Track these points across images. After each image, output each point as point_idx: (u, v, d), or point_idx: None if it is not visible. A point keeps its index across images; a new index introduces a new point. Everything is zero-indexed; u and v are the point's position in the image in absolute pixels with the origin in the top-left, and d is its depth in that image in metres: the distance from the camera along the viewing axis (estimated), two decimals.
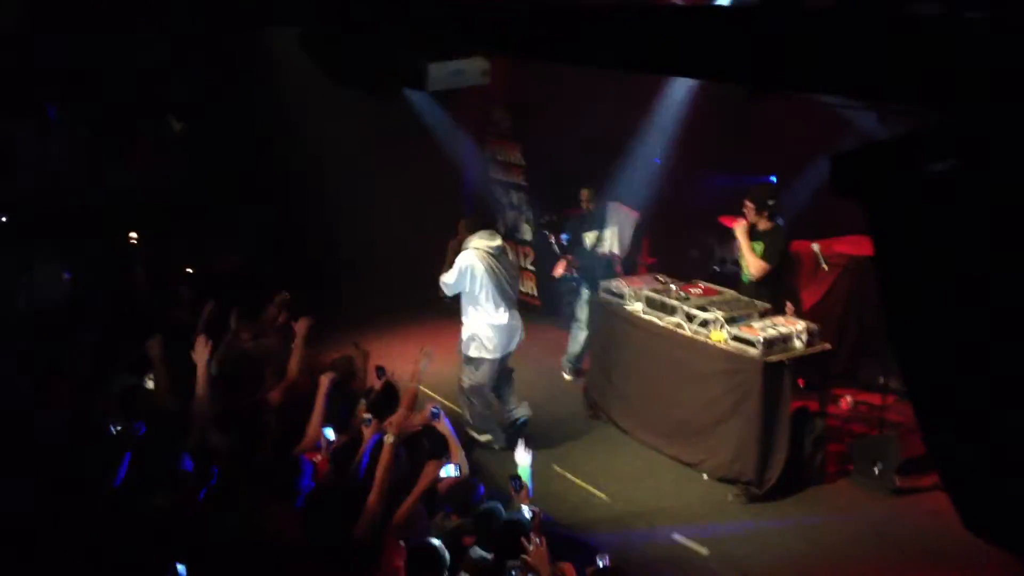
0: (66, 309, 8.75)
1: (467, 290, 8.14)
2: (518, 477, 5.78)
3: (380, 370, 7.09)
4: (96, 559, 4.73)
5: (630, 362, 8.56)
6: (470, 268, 8.05)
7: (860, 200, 2.35)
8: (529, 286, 11.97)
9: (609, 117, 10.39)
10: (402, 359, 9.40)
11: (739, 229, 8.27)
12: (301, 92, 9.06)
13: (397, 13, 4.22)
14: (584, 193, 9.59)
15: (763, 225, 8.28)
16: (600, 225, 9.55)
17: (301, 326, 7.11)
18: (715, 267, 10.15)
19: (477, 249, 8.10)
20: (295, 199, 11.55)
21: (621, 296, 8.60)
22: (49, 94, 9.80)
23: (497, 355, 8.29)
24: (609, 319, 8.77)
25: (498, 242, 8.23)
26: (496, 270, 8.13)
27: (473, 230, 8.20)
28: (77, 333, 7.87)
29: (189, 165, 10.75)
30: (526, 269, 11.97)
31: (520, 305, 11.47)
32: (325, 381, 6.31)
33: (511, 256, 8.53)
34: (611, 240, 9.56)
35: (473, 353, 8.31)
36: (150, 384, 6.78)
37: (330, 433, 5.98)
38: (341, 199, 11.28)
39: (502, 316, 8.22)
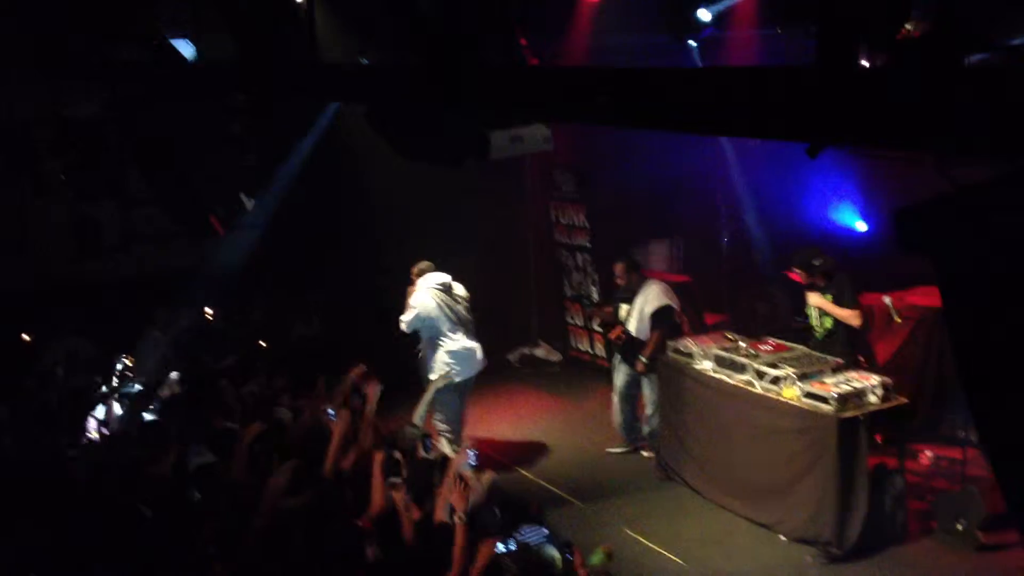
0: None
1: (423, 324, 9.00)
2: (570, 545, 5.71)
3: (426, 440, 7.09)
4: None
5: (701, 422, 8.48)
6: (422, 304, 8.97)
7: (926, 254, 2.35)
8: (598, 347, 11.96)
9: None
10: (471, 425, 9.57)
11: (814, 298, 8.39)
12: (373, 161, 9.25)
13: (459, 87, 4.33)
14: (617, 268, 9.53)
15: (821, 282, 8.40)
16: (632, 300, 9.37)
17: (372, 392, 7.18)
18: (796, 318, 9.72)
19: (427, 288, 9.02)
20: (365, 266, 11.69)
21: (690, 355, 8.55)
22: (126, 175, 10.15)
23: (458, 379, 9.02)
24: (679, 378, 8.71)
25: (445, 279, 9.11)
26: (446, 303, 9.02)
27: (421, 274, 9.12)
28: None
29: (264, 239, 10.98)
30: (595, 331, 11.95)
31: (588, 366, 11.55)
32: (378, 458, 6.31)
33: (461, 291, 9.21)
34: (634, 317, 9.25)
35: (431, 376, 9.01)
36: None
37: None
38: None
39: (458, 342, 9.03)
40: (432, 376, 9.03)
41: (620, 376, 9.51)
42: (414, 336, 9.20)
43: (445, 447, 8.54)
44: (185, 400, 8.05)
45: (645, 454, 9.46)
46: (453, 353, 9.01)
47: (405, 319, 9.06)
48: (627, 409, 9.53)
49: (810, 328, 8.61)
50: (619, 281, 9.54)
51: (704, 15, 9.43)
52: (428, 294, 9.00)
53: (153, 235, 10.74)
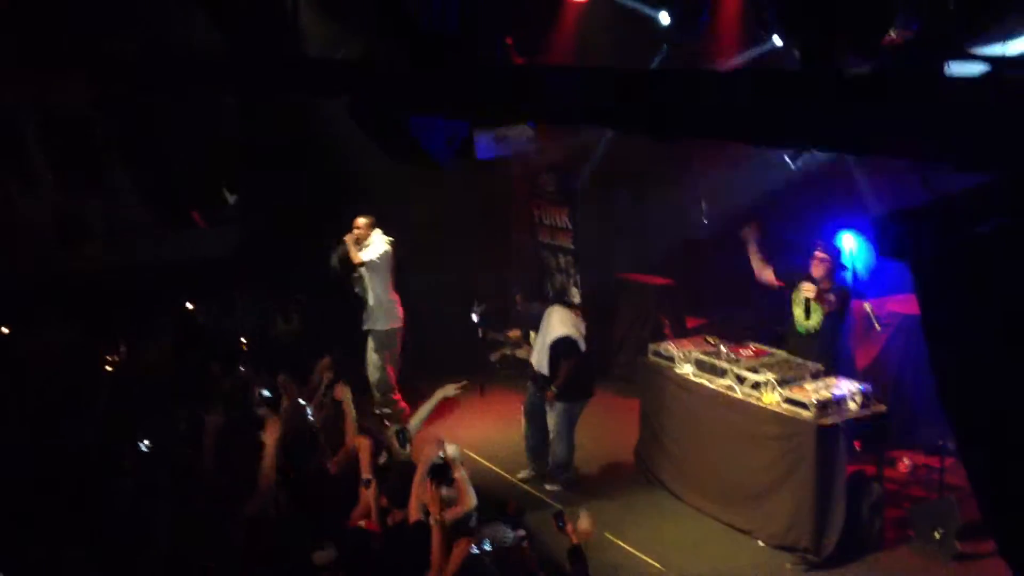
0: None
1: (381, 268, 9.83)
2: (561, 514, 5.74)
3: (403, 434, 7.04)
4: None
5: (681, 426, 8.48)
6: (388, 250, 9.88)
7: (905, 261, 2.34)
8: None
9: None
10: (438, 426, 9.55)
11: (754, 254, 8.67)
12: (355, 158, 9.22)
13: (445, 87, 4.31)
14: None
15: (826, 284, 8.32)
16: (537, 328, 9.10)
17: (342, 392, 7.14)
18: (776, 328, 9.62)
19: (384, 240, 9.93)
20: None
21: (671, 359, 8.54)
22: (113, 167, 10.08)
23: (401, 323, 9.93)
24: (659, 382, 8.71)
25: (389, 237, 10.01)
26: (395, 257, 9.98)
27: (371, 226, 9.95)
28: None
29: (243, 234, 10.93)
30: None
31: None
32: (365, 444, 6.29)
33: None
34: (537, 347, 8.93)
35: (386, 327, 9.89)
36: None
37: None
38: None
39: (396, 293, 10.03)
40: (381, 327, 9.81)
41: (527, 398, 9.14)
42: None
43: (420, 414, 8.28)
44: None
45: (548, 487, 8.92)
46: (395, 301, 9.93)
47: (370, 257, 9.78)
48: (532, 432, 9.08)
49: (792, 327, 8.61)
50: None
51: (664, 18, 9.44)
52: (387, 244, 9.85)
53: (137, 229, 10.66)
